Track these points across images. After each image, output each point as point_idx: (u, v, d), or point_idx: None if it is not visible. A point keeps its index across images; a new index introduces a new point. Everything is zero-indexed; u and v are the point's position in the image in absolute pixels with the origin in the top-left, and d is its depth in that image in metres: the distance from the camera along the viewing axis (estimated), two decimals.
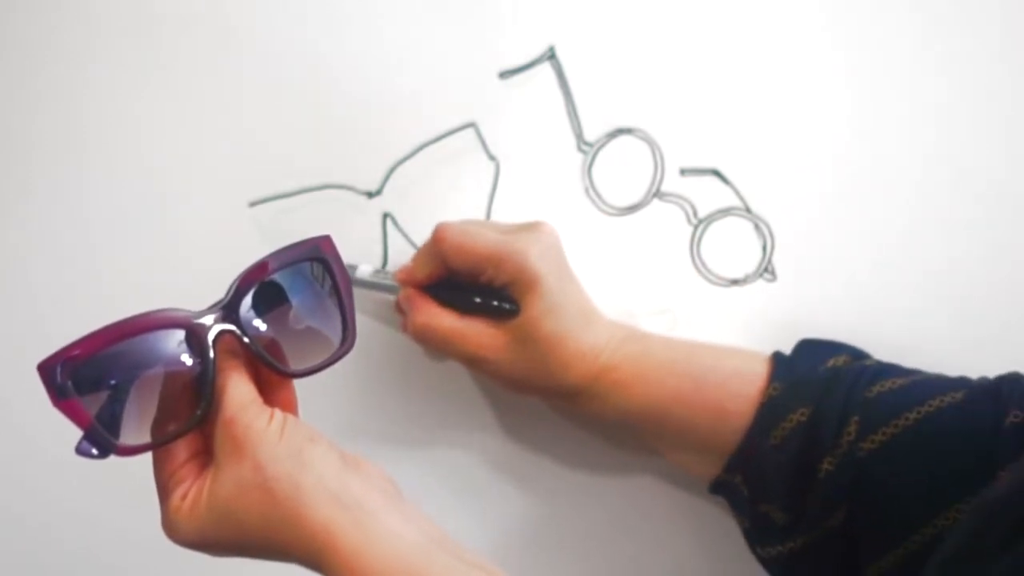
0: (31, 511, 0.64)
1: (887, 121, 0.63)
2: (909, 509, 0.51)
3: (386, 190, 0.63)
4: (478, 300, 0.57)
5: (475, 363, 0.58)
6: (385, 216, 0.63)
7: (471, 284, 0.57)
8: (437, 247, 0.57)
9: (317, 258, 0.49)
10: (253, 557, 0.45)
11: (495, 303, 0.57)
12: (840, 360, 0.57)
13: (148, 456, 0.45)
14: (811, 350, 0.58)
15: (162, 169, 0.62)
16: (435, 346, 0.59)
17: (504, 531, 0.65)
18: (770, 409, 0.55)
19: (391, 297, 0.61)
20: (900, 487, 0.52)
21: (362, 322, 0.62)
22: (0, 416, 0.64)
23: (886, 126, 0.63)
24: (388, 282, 0.60)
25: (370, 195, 0.63)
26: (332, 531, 0.42)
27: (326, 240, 0.49)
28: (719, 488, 0.58)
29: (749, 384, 0.56)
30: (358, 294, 0.61)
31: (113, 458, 0.44)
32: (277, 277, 0.47)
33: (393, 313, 0.62)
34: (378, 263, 0.63)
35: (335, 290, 0.49)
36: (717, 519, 0.62)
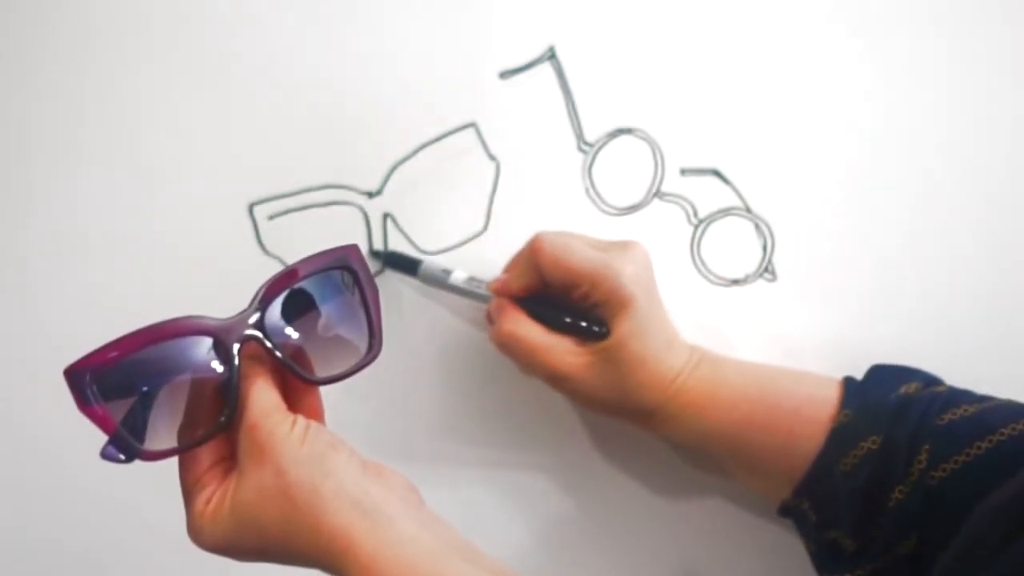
0: (49, 507, 0.64)
1: (888, 121, 0.63)
2: (981, 538, 0.50)
3: (386, 190, 0.63)
4: (568, 320, 0.57)
5: (557, 380, 0.58)
6: (385, 216, 0.63)
7: (562, 301, 0.57)
8: (535, 257, 0.57)
9: (344, 267, 0.49)
10: (274, 562, 0.45)
11: (584, 324, 0.57)
12: (912, 387, 0.56)
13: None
14: (882, 376, 0.58)
15: (162, 169, 0.62)
16: (519, 357, 0.59)
17: (570, 548, 0.65)
18: (840, 436, 0.55)
19: (483, 305, 0.61)
20: (971, 516, 0.50)
21: (455, 326, 0.63)
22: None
23: (887, 126, 0.63)
24: (481, 291, 0.60)
25: (370, 195, 0.63)
26: (351, 537, 0.42)
27: (353, 248, 0.49)
28: (787, 512, 0.58)
29: (820, 410, 0.56)
30: (447, 296, 0.62)
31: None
32: (304, 285, 0.48)
33: (481, 321, 0.62)
34: (378, 265, 0.63)
35: (362, 298, 0.49)
36: (787, 544, 0.62)
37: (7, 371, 0.63)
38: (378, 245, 0.63)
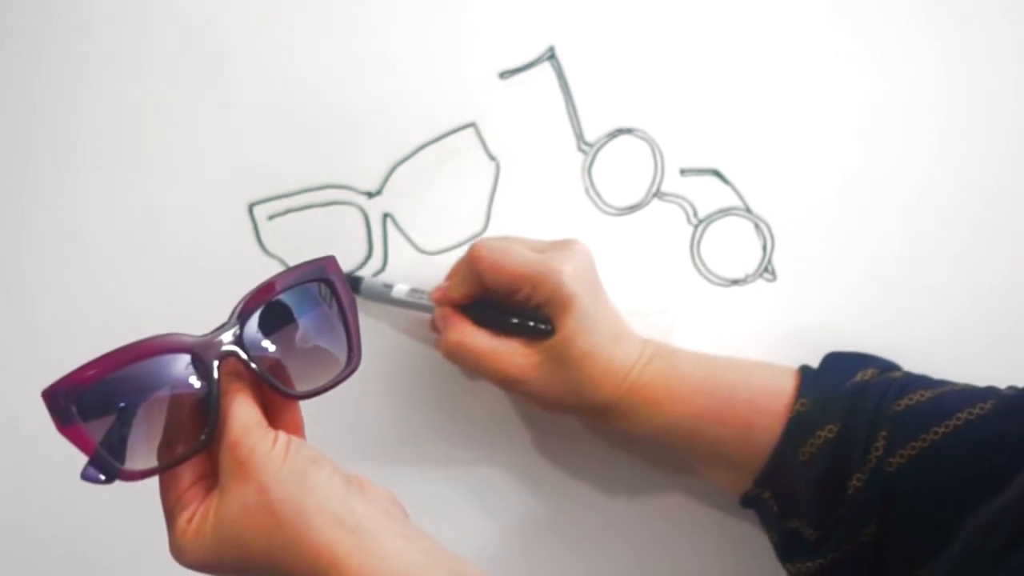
0: (38, 521, 0.64)
1: (887, 121, 0.63)
2: (939, 524, 0.50)
3: (386, 190, 0.63)
4: (515, 321, 0.57)
5: (508, 383, 0.58)
6: (385, 216, 0.63)
7: (506, 304, 0.57)
8: (473, 265, 0.57)
9: (321, 278, 0.49)
10: None
11: (531, 323, 0.57)
12: (868, 373, 0.56)
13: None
14: (838, 363, 0.58)
15: (162, 169, 0.62)
16: (468, 365, 0.59)
17: (534, 550, 0.65)
18: (798, 425, 0.55)
19: (427, 316, 0.61)
20: (930, 502, 0.51)
21: (398, 340, 0.63)
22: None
23: (887, 126, 0.63)
24: (424, 301, 0.60)
25: (370, 195, 0.63)
26: (335, 553, 0.42)
27: (331, 260, 0.49)
28: (749, 503, 0.58)
29: (777, 400, 0.56)
30: (395, 311, 0.62)
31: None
32: (281, 298, 0.47)
33: (428, 332, 0.62)
34: (379, 265, 0.63)
35: (340, 310, 0.49)
36: (750, 535, 0.62)
37: (7, 371, 0.63)
38: (378, 245, 0.63)
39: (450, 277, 0.60)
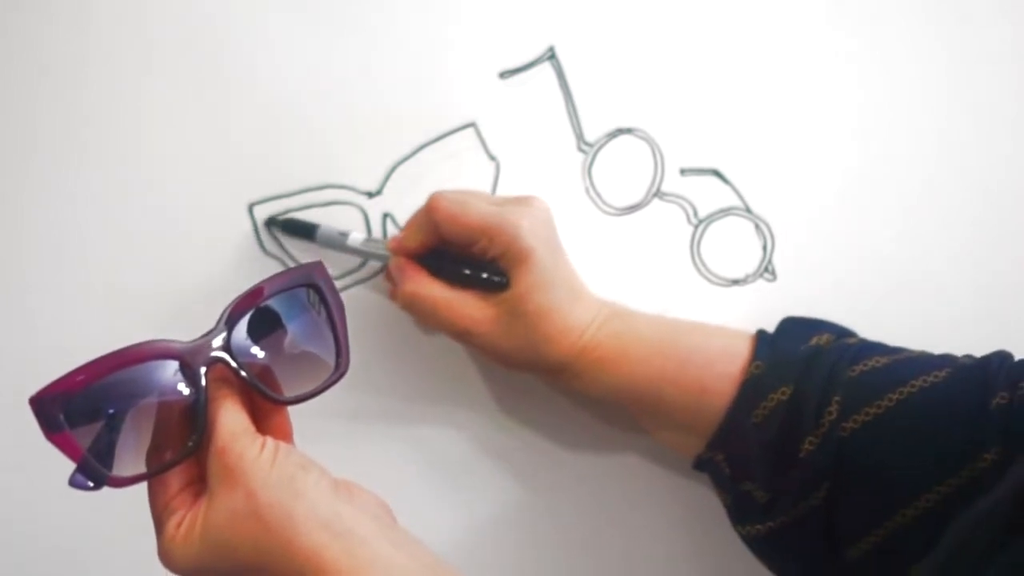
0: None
1: (887, 121, 0.63)
2: (891, 490, 0.51)
3: (386, 190, 0.63)
4: (467, 272, 0.57)
5: (463, 336, 0.58)
6: (385, 216, 0.63)
7: (462, 255, 0.57)
8: (430, 216, 0.57)
9: (309, 284, 0.49)
10: None
11: (484, 275, 0.57)
12: (823, 338, 0.57)
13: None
14: (794, 328, 0.58)
15: (162, 169, 0.62)
16: (423, 316, 0.59)
17: (490, 506, 0.65)
18: (751, 388, 0.55)
19: (379, 265, 0.61)
20: (882, 468, 0.52)
21: (353, 291, 0.62)
22: None
23: (886, 126, 0.63)
24: (380, 251, 0.60)
25: (370, 195, 0.63)
26: (323, 558, 0.42)
27: (318, 266, 0.49)
28: (702, 466, 0.58)
29: (732, 363, 0.56)
30: (346, 259, 0.61)
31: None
32: (269, 304, 0.47)
33: (382, 282, 0.62)
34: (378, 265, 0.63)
35: (328, 316, 0.49)
36: (703, 498, 0.62)
37: (8, 370, 0.63)
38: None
39: (407, 227, 0.60)
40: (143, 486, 0.46)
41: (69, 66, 0.62)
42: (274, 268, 0.62)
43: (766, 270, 0.64)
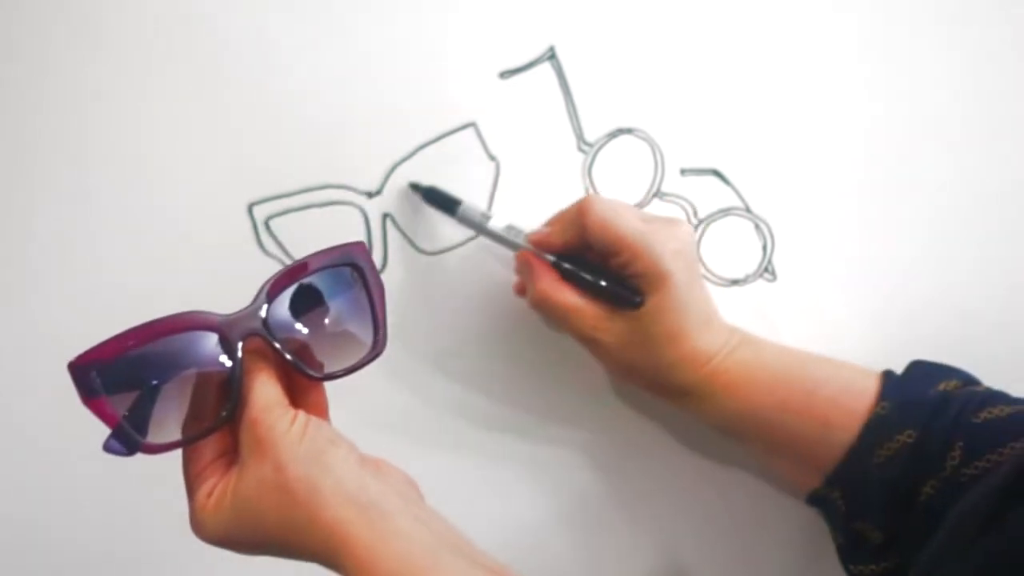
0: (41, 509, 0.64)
1: (888, 121, 0.63)
2: (956, 533, 0.50)
3: (386, 190, 0.63)
4: (604, 284, 0.57)
5: (589, 342, 0.58)
6: (385, 216, 0.63)
7: (598, 264, 0.57)
8: (582, 217, 0.57)
9: (350, 263, 0.49)
10: (274, 555, 0.45)
11: (621, 291, 0.56)
12: (951, 384, 0.56)
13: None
14: (922, 372, 0.58)
15: (162, 169, 0.62)
16: (553, 317, 0.59)
17: (582, 513, 0.65)
18: (877, 427, 0.54)
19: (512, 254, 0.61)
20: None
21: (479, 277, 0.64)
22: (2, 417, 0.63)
23: (887, 126, 0.63)
24: (519, 241, 0.60)
25: (370, 195, 0.63)
26: (348, 532, 0.43)
27: (359, 245, 0.50)
28: (816, 501, 0.58)
29: (858, 400, 0.55)
30: (487, 245, 0.62)
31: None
32: (309, 281, 0.48)
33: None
34: (378, 265, 0.63)
35: (367, 295, 0.49)
36: (811, 533, 0.62)
37: (8, 370, 0.63)
38: (378, 245, 0.63)
39: (552, 223, 0.59)
40: (161, 481, 0.46)
41: (69, 66, 0.62)
42: (274, 268, 0.62)
43: (766, 270, 0.64)
